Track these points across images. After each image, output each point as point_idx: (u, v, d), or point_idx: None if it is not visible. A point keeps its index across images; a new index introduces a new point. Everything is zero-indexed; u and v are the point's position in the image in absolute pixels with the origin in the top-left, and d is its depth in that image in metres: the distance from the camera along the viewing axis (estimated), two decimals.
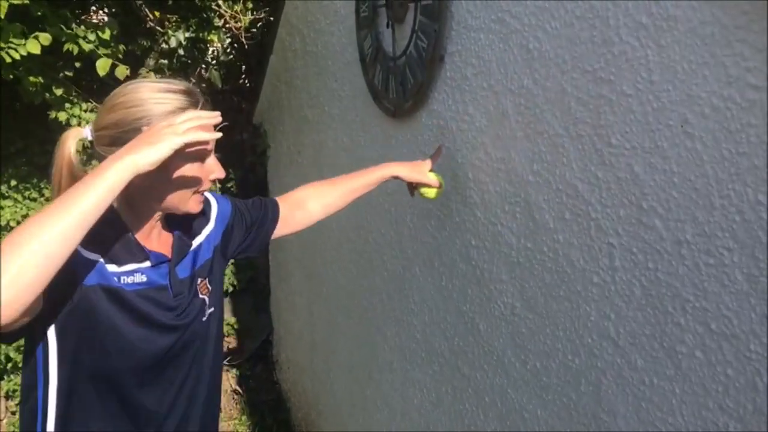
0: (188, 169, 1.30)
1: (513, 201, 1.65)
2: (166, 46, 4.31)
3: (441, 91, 1.92)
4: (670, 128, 1.18)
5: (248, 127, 4.19)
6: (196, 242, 1.50)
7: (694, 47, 1.11)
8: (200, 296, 1.47)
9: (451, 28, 1.84)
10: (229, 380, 4.37)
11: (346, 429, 3.17)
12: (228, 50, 4.98)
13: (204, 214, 1.53)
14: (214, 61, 4.93)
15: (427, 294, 2.13)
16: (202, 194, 1.38)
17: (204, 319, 1.48)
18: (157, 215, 1.39)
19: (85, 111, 3.81)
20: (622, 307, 1.35)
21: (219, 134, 1.21)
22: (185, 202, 1.35)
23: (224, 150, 3.87)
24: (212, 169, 1.34)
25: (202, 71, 4.82)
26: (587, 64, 1.36)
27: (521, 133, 1.59)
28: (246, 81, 5.12)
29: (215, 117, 1.19)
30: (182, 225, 1.47)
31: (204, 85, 4.65)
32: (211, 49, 4.99)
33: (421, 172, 1.79)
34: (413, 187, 1.83)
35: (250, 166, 4.10)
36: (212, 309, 1.50)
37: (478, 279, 1.83)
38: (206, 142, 1.25)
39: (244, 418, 4.21)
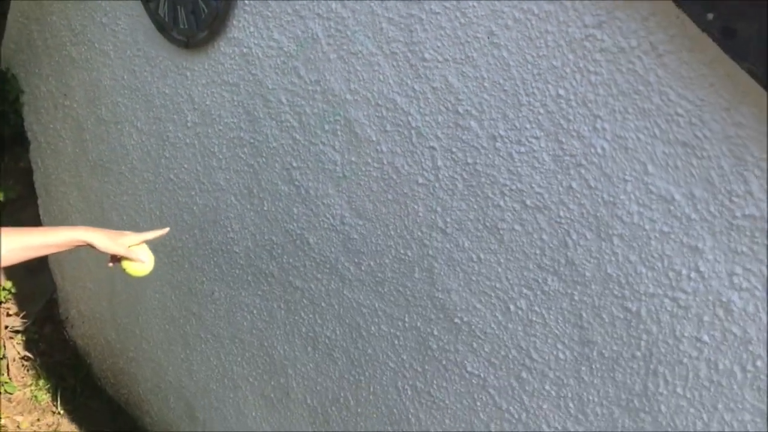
0: None
1: (333, 120, 1.77)
2: None
3: (240, 19, 1.94)
4: (478, 40, 1.38)
5: None
6: None
7: None
8: None
9: None
10: (15, 348, 4.03)
11: (165, 367, 3.16)
12: None
13: None
14: None
15: (248, 221, 2.19)
16: None
17: None
18: None
19: None
20: (446, 200, 1.56)
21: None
22: None
23: None
24: None
25: None
26: None
27: (334, 55, 1.70)
28: None
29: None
30: None
31: None
32: None
33: (121, 244, 1.57)
34: (116, 259, 1.62)
35: (3, 116, 3.67)
36: None
37: (303, 198, 1.95)
38: None
39: (41, 382, 3.95)
